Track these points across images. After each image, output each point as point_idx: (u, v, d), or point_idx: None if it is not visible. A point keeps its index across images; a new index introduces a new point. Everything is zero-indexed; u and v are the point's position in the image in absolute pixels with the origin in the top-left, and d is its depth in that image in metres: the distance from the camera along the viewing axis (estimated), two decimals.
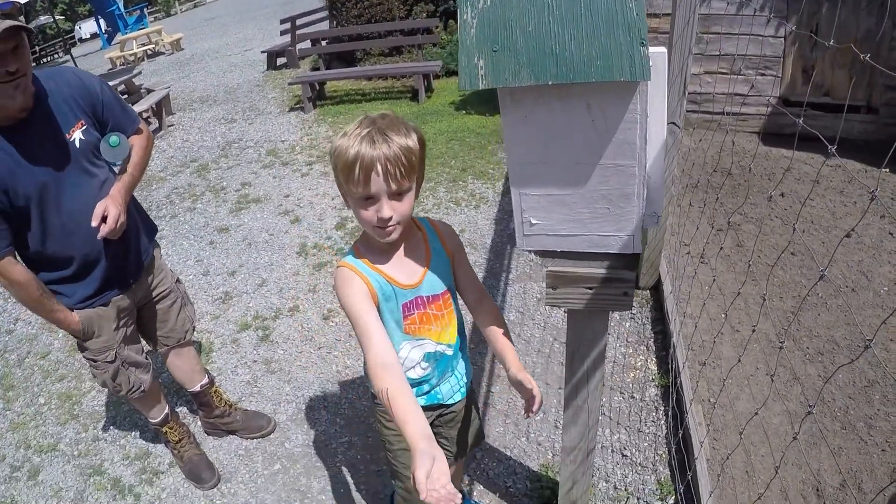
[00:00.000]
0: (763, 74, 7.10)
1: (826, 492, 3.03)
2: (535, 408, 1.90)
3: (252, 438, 3.63)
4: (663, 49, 1.42)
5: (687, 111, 6.70)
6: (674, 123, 3.44)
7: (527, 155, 1.38)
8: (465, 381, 2.25)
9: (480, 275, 4.86)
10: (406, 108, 9.59)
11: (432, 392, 2.14)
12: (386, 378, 1.55)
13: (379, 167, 1.56)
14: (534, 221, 1.47)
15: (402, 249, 1.85)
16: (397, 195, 1.65)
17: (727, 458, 3.11)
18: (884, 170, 6.65)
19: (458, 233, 5.36)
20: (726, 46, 6.81)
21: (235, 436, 3.66)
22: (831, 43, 1.76)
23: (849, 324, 4.22)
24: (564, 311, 2.01)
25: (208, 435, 3.69)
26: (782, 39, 6.90)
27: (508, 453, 3.33)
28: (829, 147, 1.68)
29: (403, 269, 1.85)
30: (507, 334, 2.00)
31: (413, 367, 2.01)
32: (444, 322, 1.98)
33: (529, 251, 1.55)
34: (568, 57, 1.19)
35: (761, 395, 3.53)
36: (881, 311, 4.35)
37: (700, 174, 5.43)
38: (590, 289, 1.60)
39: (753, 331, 3.96)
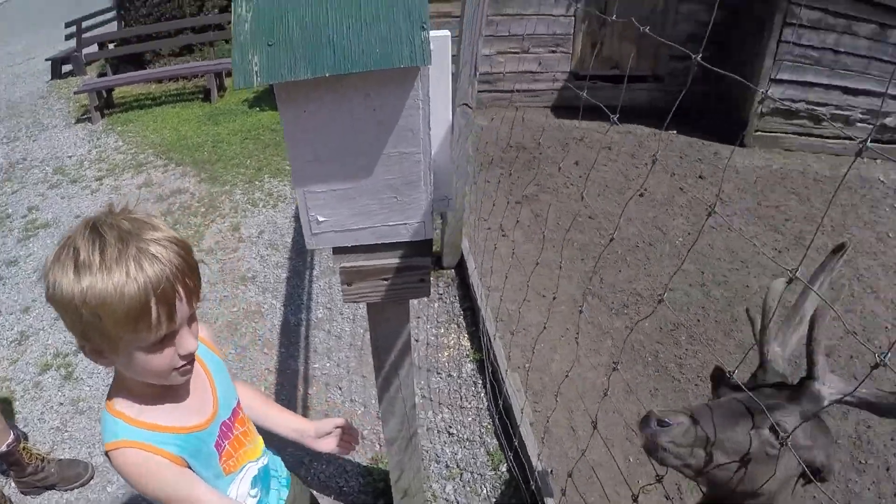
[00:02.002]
0: (554, 52, 7.39)
1: None
2: (357, 439, 1.85)
3: (72, 489, 3.34)
4: (447, 32, 1.41)
5: (481, 91, 6.87)
6: (466, 105, 3.49)
7: (308, 151, 1.32)
8: (282, 470, 1.86)
9: (284, 275, 4.77)
10: (198, 109, 9.22)
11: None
12: None
13: (181, 288, 1.15)
14: (321, 219, 1.42)
15: None
16: (191, 317, 1.25)
17: (547, 419, 3.21)
18: (672, 132, 7.16)
19: (257, 235, 5.29)
20: (518, 27, 7.01)
21: (54, 490, 3.35)
22: (613, 18, 1.83)
23: (649, 275, 4.50)
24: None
25: (25, 495, 3.35)
26: (572, 18, 7.20)
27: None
28: (612, 116, 1.76)
29: (194, 405, 1.42)
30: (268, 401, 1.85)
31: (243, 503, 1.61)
32: (251, 435, 1.64)
33: (319, 249, 1.49)
34: (346, 46, 1.14)
35: (573, 355, 3.69)
36: (678, 260, 4.67)
37: (495, 151, 5.58)
38: (385, 280, 1.57)
39: (554, 297, 4.11)
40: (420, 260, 1.54)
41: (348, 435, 1.88)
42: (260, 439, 1.69)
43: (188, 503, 1.28)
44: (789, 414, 1.35)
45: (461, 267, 4.46)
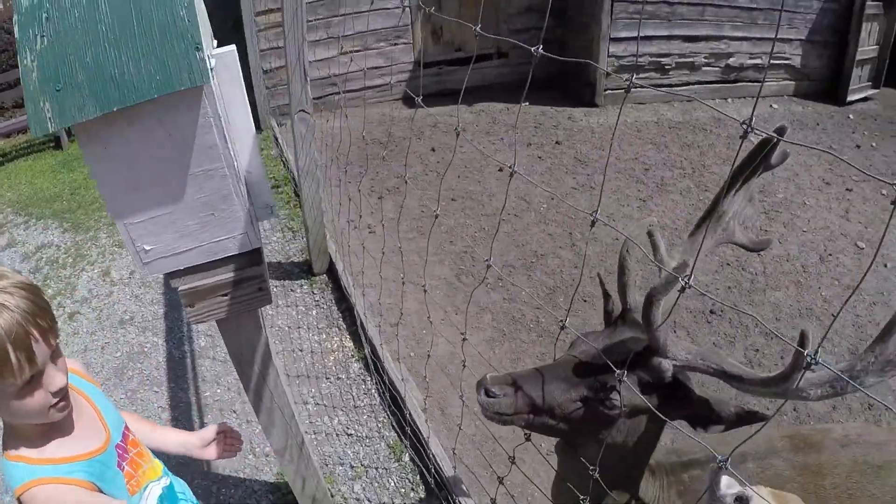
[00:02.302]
0: (395, 44, 7.45)
1: None
2: (240, 439, 1.92)
3: None
4: (231, 47, 1.45)
5: (329, 94, 6.89)
6: (303, 111, 3.52)
7: (119, 185, 1.34)
8: (191, 496, 1.92)
9: (161, 311, 4.69)
10: (51, 158, 8.84)
11: None
12: None
13: (34, 330, 1.18)
14: (148, 248, 1.44)
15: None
16: (54, 354, 1.28)
17: (424, 401, 3.29)
18: (525, 103, 7.33)
19: (129, 276, 5.17)
20: (358, 25, 7.03)
21: None
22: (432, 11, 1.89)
23: (518, 246, 4.66)
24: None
25: None
26: (408, 8, 7.27)
27: (242, 475, 3.27)
28: (416, 98, 1.83)
29: (86, 432, 1.45)
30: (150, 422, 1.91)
31: None
32: (146, 456, 1.68)
33: (154, 276, 1.51)
34: (129, 79, 1.18)
35: (456, 335, 3.78)
36: (545, 225, 4.83)
37: (352, 150, 5.63)
38: (225, 295, 1.61)
39: (408, 285, 4.18)
40: (254, 270, 1.58)
41: (231, 437, 1.97)
42: (158, 462, 1.74)
43: None
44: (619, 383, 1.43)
45: (332, 271, 4.49)
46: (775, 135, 1.24)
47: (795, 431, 2.29)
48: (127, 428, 1.62)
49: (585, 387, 1.48)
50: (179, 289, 1.56)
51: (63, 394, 1.30)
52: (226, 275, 1.57)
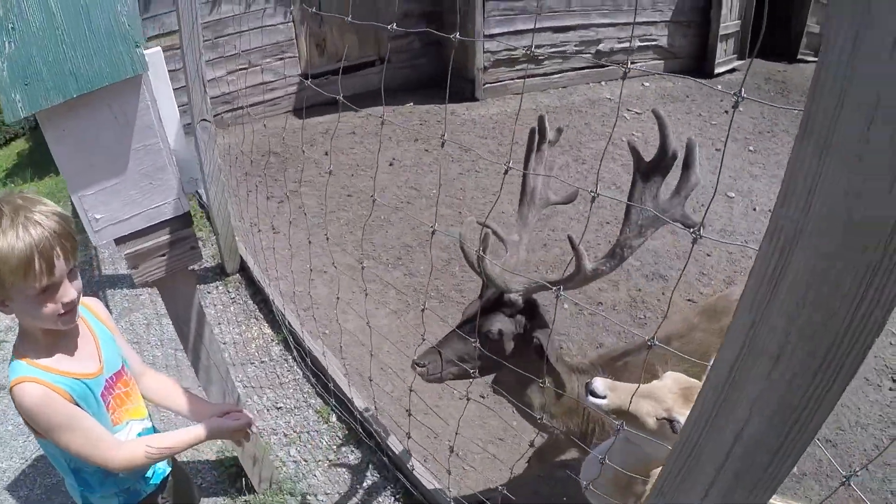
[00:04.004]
0: (281, 59, 7.69)
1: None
2: (255, 422, 2.01)
3: None
4: (158, 48, 1.79)
5: (223, 112, 7.11)
6: (205, 120, 3.82)
7: (75, 163, 1.66)
8: None
9: None
10: None
11: (156, 471, 1.98)
12: (133, 446, 1.70)
13: (58, 248, 1.46)
14: (98, 217, 1.75)
15: (68, 337, 1.67)
16: (71, 273, 1.54)
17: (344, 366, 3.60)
18: (409, 104, 7.74)
19: None
20: (243, 44, 7.23)
21: None
22: (313, 10, 2.25)
23: (413, 228, 5.08)
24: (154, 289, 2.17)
25: None
26: (291, 24, 7.54)
27: (184, 457, 3.39)
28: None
29: (82, 358, 1.69)
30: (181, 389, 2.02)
31: None
32: (133, 396, 1.86)
33: (104, 243, 1.82)
34: (84, 73, 1.52)
35: (362, 312, 4.13)
36: (436, 208, 5.28)
37: (249, 163, 5.88)
38: (164, 255, 1.93)
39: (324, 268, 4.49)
40: (186, 231, 1.92)
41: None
42: (144, 407, 1.91)
43: (80, 431, 1.58)
44: (494, 321, 2.14)
45: (244, 270, 4.77)
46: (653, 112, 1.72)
47: (705, 305, 2.68)
48: (124, 370, 1.82)
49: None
50: (125, 253, 1.88)
51: (71, 307, 1.54)
52: (163, 237, 1.90)
